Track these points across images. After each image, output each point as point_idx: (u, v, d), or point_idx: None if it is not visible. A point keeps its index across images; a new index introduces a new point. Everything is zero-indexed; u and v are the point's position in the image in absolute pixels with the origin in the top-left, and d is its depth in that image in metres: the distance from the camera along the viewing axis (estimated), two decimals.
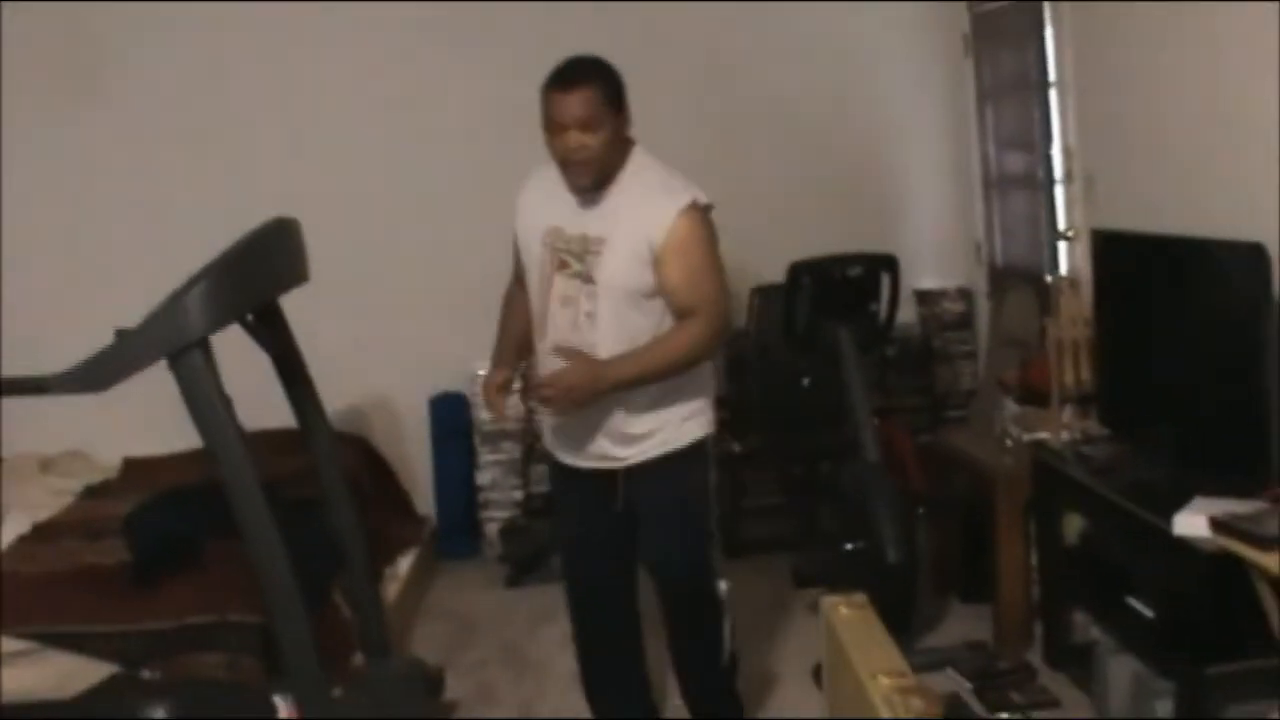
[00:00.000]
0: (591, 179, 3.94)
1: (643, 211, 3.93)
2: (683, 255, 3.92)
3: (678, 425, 4.11)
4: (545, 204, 4.08)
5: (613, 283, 3.94)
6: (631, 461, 4.10)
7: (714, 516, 4.26)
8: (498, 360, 4.33)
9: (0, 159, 6.57)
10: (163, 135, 6.71)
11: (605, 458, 4.12)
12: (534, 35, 6.55)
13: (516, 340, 4.31)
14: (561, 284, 4.01)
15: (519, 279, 4.28)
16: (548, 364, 4.04)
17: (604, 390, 3.89)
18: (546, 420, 4.26)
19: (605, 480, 4.15)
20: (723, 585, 4.27)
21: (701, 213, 3.97)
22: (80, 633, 4.43)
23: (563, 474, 4.30)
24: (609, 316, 3.95)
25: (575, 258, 3.99)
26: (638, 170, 4.02)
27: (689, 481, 4.16)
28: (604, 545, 4.29)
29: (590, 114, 3.85)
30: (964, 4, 6.68)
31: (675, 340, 3.97)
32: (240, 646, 4.36)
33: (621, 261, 3.93)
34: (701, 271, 3.96)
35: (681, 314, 3.97)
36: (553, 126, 3.89)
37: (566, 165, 3.93)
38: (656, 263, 3.91)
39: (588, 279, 3.96)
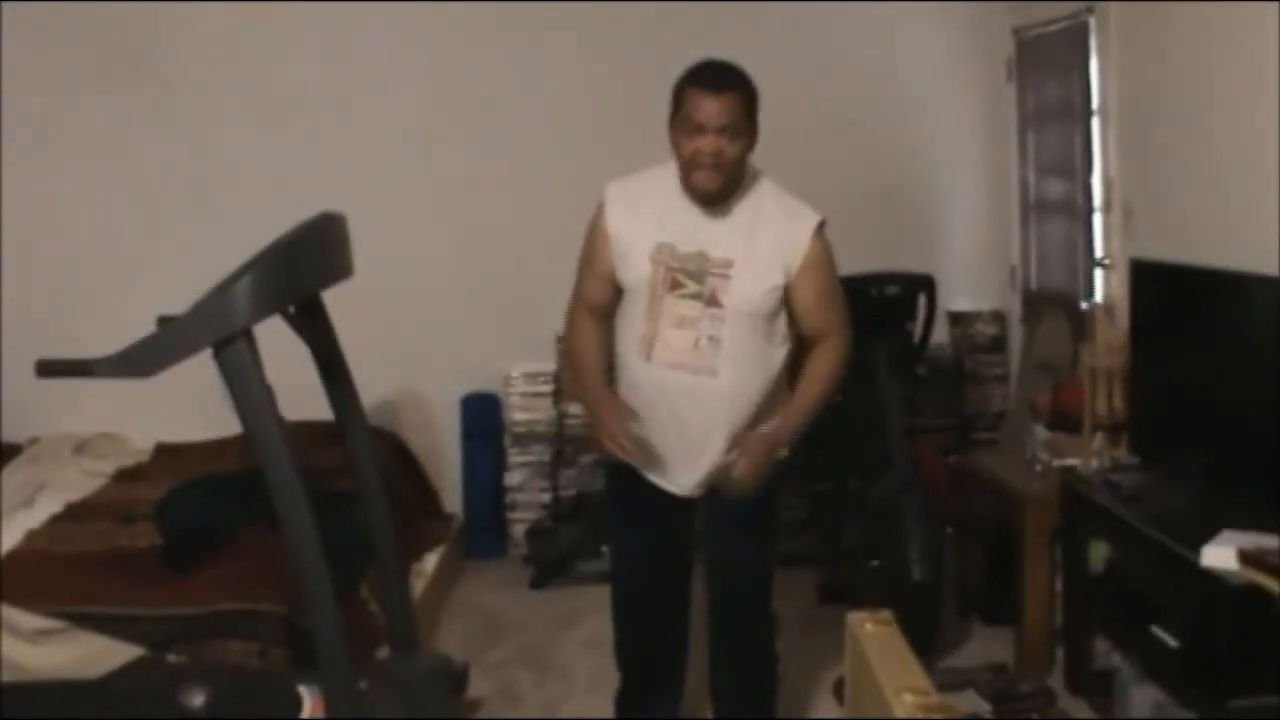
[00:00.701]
0: (719, 186, 3.83)
1: (777, 234, 3.89)
2: (815, 277, 3.92)
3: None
4: (651, 217, 3.94)
5: (742, 308, 3.86)
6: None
7: (779, 535, 4.30)
8: (601, 400, 4.03)
9: (18, 141, 6.63)
10: (208, 124, 6.74)
11: (698, 488, 4.07)
12: (592, 39, 6.60)
13: (601, 367, 4.12)
14: (676, 304, 3.88)
15: (589, 305, 4.11)
16: (656, 385, 3.94)
17: (784, 446, 3.99)
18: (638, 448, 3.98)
19: (685, 501, 4.12)
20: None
21: (825, 233, 3.96)
22: (109, 614, 4.45)
23: (638, 486, 4.13)
24: (733, 341, 3.87)
25: (692, 278, 3.87)
26: (762, 191, 3.96)
27: (769, 495, 4.10)
28: (667, 561, 4.25)
29: (735, 121, 3.79)
30: (1009, 29, 6.68)
31: (824, 372, 3.98)
32: (268, 636, 4.38)
33: (753, 286, 3.86)
34: (831, 292, 3.98)
35: (812, 335, 3.98)
36: (691, 127, 3.79)
37: (696, 168, 3.80)
38: (789, 285, 3.89)
39: (712, 302, 3.85)
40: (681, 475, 4.05)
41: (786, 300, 3.92)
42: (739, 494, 3.88)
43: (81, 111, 6.67)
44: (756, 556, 4.22)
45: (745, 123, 3.82)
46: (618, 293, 4.03)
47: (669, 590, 4.31)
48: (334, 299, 3.58)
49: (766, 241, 3.87)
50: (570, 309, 4.17)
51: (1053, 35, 6.26)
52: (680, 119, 3.83)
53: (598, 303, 4.08)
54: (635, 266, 3.92)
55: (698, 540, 4.26)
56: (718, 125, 3.76)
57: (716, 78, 3.83)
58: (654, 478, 4.09)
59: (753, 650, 4.32)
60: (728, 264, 3.85)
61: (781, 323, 3.96)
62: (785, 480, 4.23)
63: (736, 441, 3.90)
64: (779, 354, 4.00)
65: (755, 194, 3.94)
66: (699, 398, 3.89)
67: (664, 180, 3.95)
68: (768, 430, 3.93)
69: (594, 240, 4.03)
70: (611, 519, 4.47)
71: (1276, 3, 4.25)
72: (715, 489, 4.03)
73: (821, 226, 3.93)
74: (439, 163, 6.84)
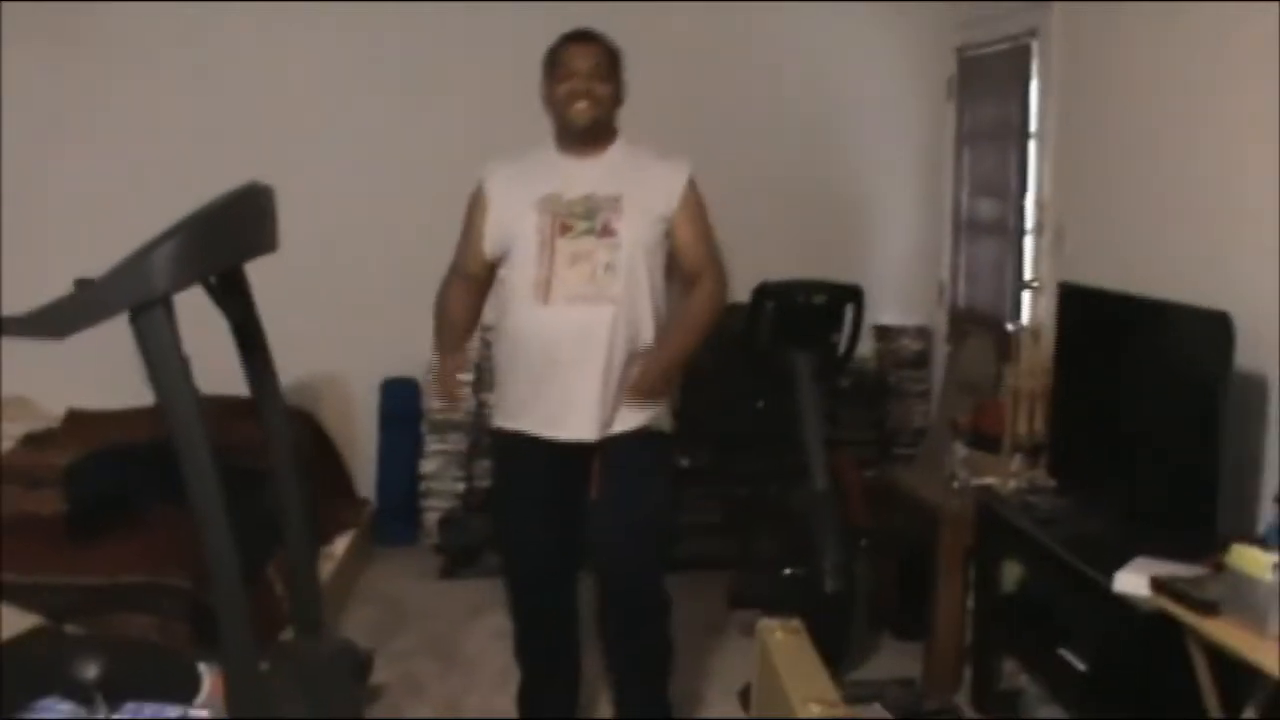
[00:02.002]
0: (593, 116, 4.20)
1: (655, 174, 4.28)
2: (692, 218, 4.30)
3: (662, 406, 4.31)
4: (529, 179, 4.26)
5: (634, 235, 4.17)
6: (615, 431, 4.21)
7: (671, 503, 4.50)
8: (448, 348, 4.53)
9: None
10: (139, 89, 6.72)
11: (596, 428, 4.19)
12: (510, 33, 6.58)
13: (462, 329, 4.52)
14: (568, 245, 4.14)
15: (462, 274, 4.41)
16: (554, 324, 4.14)
17: (679, 368, 4.31)
18: (517, 394, 4.29)
19: (577, 464, 4.22)
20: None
21: (696, 183, 4.32)
22: (9, 582, 4.36)
23: (525, 456, 4.30)
24: (628, 267, 4.16)
25: (582, 218, 4.17)
26: (630, 141, 4.35)
27: (660, 468, 4.39)
28: (557, 541, 4.33)
29: (603, 64, 4.24)
30: (952, 48, 6.69)
31: (701, 302, 4.30)
32: (170, 610, 4.32)
33: (642, 216, 4.20)
34: (707, 234, 4.35)
35: (689, 271, 4.31)
36: (564, 72, 4.22)
37: (571, 105, 4.20)
38: (670, 223, 4.25)
39: (605, 232, 4.15)
40: (582, 416, 4.18)
41: (667, 240, 4.28)
42: (636, 397, 4.20)
43: (8, 72, 6.56)
44: (651, 526, 4.35)
45: (611, 72, 4.28)
46: (490, 268, 4.33)
47: (563, 577, 4.42)
48: (257, 273, 3.52)
49: (647, 180, 4.26)
50: (444, 279, 4.47)
51: (994, 56, 6.27)
52: (553, 71, 4.27)
53: (471, 271, 4.38)
54: (520, 219, 4.21)
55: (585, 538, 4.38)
56: (588, 66, 4.22)
57: (582, 32, 4.32)
58: (548, 431, 4.22)
59: (650, 627, 4.41)
60: (616, 198, 4.20)
61: (662, 257, 4.28)
62: (671, 456, 4.58)
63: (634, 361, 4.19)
64: (660, 286, 4.30)
65: (626, 145, 4.35)
66: (599, 326, 4.14)
67: (538, 149, 4.36)
68: (657, 356, 4.23)
69: (472, 211, 4.35)
70: (501, 505, 4.64)
71: (1215, 33, 4.28)
72: (613, 443, 4.23)
73: (692, 176, 4.32)
74: (367, 144, 6.83)
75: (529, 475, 4.32)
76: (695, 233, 4.29)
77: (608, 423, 4.20)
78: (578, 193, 4.19)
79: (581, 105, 4.19)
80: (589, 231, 4.15)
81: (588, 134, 4.24)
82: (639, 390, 4.19)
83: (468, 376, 4.31)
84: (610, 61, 4.27)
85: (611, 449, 4.23)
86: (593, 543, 4.33)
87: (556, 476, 4.27)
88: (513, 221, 4.22)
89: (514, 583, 4.49)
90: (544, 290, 4.14)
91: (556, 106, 4.25)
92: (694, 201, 4.30)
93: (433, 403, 6.70)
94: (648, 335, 4.23)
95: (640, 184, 4.23)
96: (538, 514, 4.33)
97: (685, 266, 4.30)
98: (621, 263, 4.15)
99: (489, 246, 4.28)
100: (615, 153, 4.31)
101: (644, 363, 4.19)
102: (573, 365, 4.13)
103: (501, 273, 4.29)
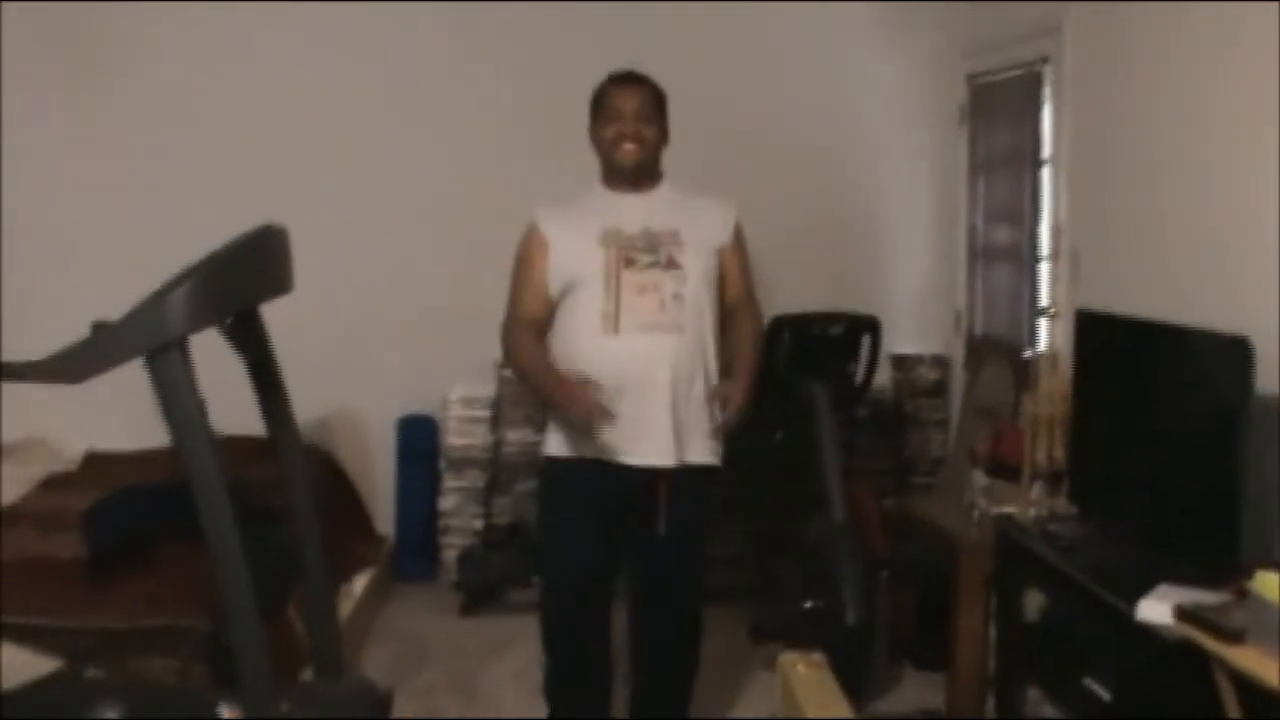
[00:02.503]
0: (640, 159, 4.37)
1: (707, 212, 4.48)
2: (739, 252, 4.54)
3: (718, 439, 4.44)
4: (585, 217, 4.39)
5: (697, 265, 4.34)
6: (689, 462, 4.31)
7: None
8: (561, 380, 4.30)
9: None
10: (154, 130, 6.76)
11: (672, 453, 4.28)
12: (525, 71, 6.60)
13: (548, 363, 4.40)
14: (634, 276, 4.26)
15: (528, 322, 4.40)
16: (624, 355, 4.24)
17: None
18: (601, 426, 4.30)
19: (640, 487, 4.29)
20: None
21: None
22: (29, 625, 4.38)
23: (584, 483, 4.36)
24: (695, 298, 4.31)
25: (644, 251, 4.30)
26: (677, 185, 4.53)
27: (709, 501, 4.54)
28: (604, 570, 4.46)
29: (649, 107, 4.39)
30: (963, 75, 6.69)
31: (752, 331, 4.54)
32: (190, 652, 4.31)
33: (700, 249, 4.37)
34: (749, 267, 4.61)
35: (732, 301, 4.51)
36: (611, 115, 4.37)
37: (618, 147, 4.36)
38: (723, 256, 4.45)
39: (670, 265, 4.30)
40: (654, 442, 4.26)
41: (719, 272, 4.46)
42: (731, 418, 4.35)
43: (23, 111, 6.59)
44: (700, 558, 4.55)
45: (657, 115, 4.43)
46: (552, 308, 4.38)
47: (600, 616, 4.48)
48: (273, 313, 3.52)
49: (700, 216, 4.44)
50: (506, 329, 4.45)
51: (1006, 83, 6.26)
52: (600, 113, 4.42)
53: (534, 316, 4.39)
54: (585, 256, 4.29)
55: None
56: (633, 110, 4.36)
57: (628, 74, 4.46)
58: (621, 457, 4.28)
59: (689, 653, 4.57)
60: (675, 232, 4.34)
61: (716, 286, 4.45)
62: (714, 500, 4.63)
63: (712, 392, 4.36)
64: (713, 312, 4.44)
65: (672, 184, 4.52)
66: (670, 354, 4.25)
67: (586, 191, 4.51)
68: (731, 384, 4.39)
69: (530, 252, 4.38)
70: (552, 534, 4.57)
71: (1226, 60, 4.27)
72: (680, 475, 4.32)
73: (739, 215, 4.55)
74: (383, 183, 6.85)
75: (587, 502, 4.36)
76: (739, 268, 4.51)
77: (680, 450, 4.28)
78: (636, 227, 4.33)
79: (629, 147, 4.34)
80: (654, 264, 4.28)
81: (636, 174, 4.39)
82: (731, 419, 4.35)
83: (599, 388, 4.23)
84: (656, 103, 4.41)
85: (683, 480, 4.32)
86: (646, 571, 4.47)
87: (617, 505, 4.33)
88: (576, 257, 4.30)
89: (554, 612, 4.54)
90: (613, 321, 4.23)
91: (603, 147, 4.39)
92: (740, 238, 4.52)
93: (453, 439, 6.70)
94: (712, 362, 4.39)
95: (695, 219, 4.40)
96: (589, 542, 4.39)
97: (729, 296, 4.49)
98: (688, 294, 4.29)
99: (553, 285, 4.34)
100: (665, 191, 4.48)
101: (728, 395, 4.34)
102: (645, 392, 4.21)
103: (564, 307, 4.34)
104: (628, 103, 4.35)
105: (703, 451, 4.39)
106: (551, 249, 4.35)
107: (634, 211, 4.37)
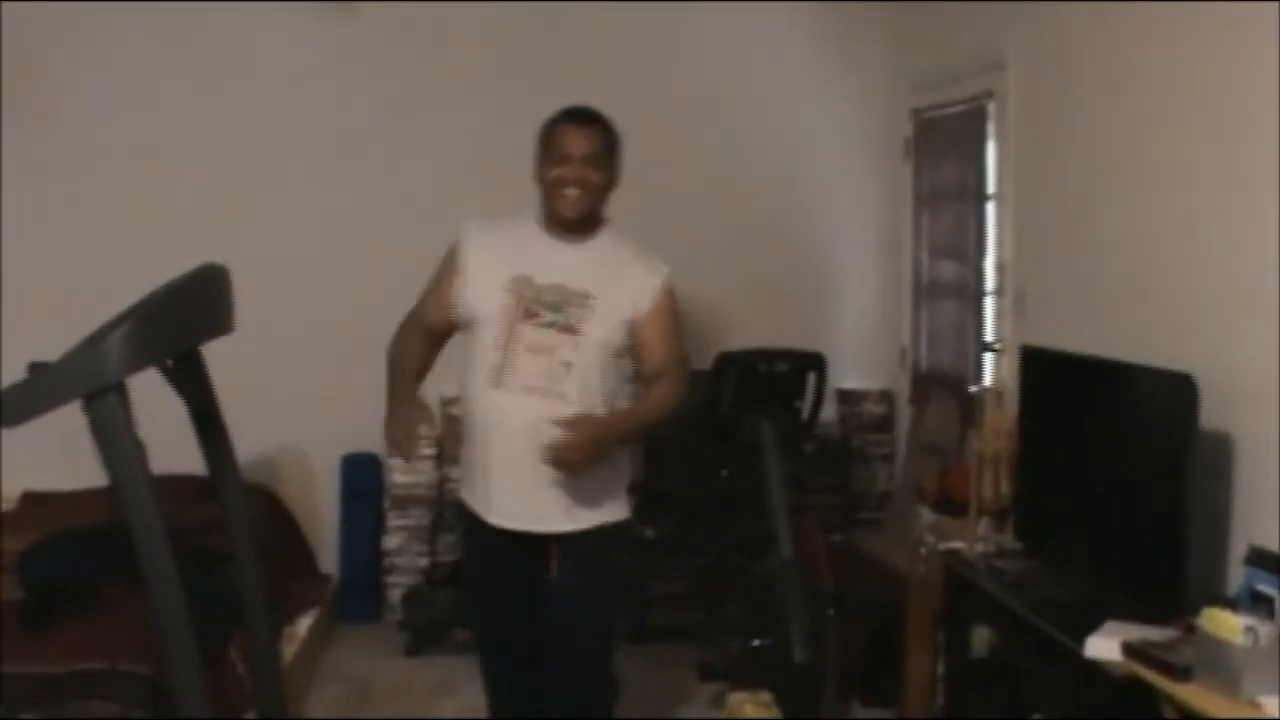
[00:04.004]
0: (582, 210, 4.08)
1: (629, 275, 4.12)
2: (661, 321, 4.14)
3: (615, 500, 4.19)
4: (509, 251, 4.14)
5: (597, 335, 4.03)
6: (569, 529, 4.09)
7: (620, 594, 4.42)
8: (403, 398, 4.28)
9: None
10: (95, 170, 6.66)
11: (543, 521, 4.08)
12: (477, 103, 6.58)
13: (413, 374, 4.32)
14: (532, 333, 4.02)
15: (421, 323, 4.30)
16: (505, 411, 4.02)
17: (608, 445, 4.02)
18: (470, 473, 4.20)
19: (535, 546, 4.12)
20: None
21: (671, 287, 4.18)
22: None
23: (485, 539, 4.18)
24: (585, 367, 4.02)
25: (549, 308, 4.03)
26: (616, 236, 4.21)
27: (612, 559, 4.24)
28: (525, 613, 4.23)
29: (598, 152, 4.09)
30: (909, 110, 6.72)
31: (659, 397, 4.13)
32: (130, 697, 4.24)
33: (608, 318, 4.05)
34: (675, 337, 4.19)
35: (652, 374, 4.14)
36: (557, 157, 4.06)
37: (560, 193, 4.06)
38: (635, 326, 4.09)
39: (568, 330, 4.02)
40: (527, 510, 4.08)
41: (631, 341, 4.12)
42: (552, 464, 3.93)
43: None
44: (604, 617, 4.29)
45: (607, 159, 4.14)
46: (451, 326, 4.22)
47: (529, 641, 4.28)
48: (215, 350, 3.49)
49: (621, 279, 4.11)
50: (401, 324, 4.36)
51: (951, 118, 6.30)
52: (547, 151, 4.11)
53: (430, 325, 4.28)
54: (488, 297, 4.07)
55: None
56: (582, 154, 4.06)
57: (582, 113, 4.16)
58: (499, 521, 4.11)
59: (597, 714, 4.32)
60: (586, 295, 4.05)
61: (624, 366, 4.15)
62: (623, 540, 4.33)
63: (568, 422, 3.94)
64: (624, 390, 4.17)
65: (611, 237, 4.21)
66: (547, 420, 3.93)
67: (521, 221, 4.21)
68: (594, 422, 4.01)
69: (446, 271, 4.23)
70: (469, 577, 4.53)
71: (1173, 94, 4.30)
72: (567, 539, 4.11)
73: (668, 279, 4.17)
74: (326, 220, 6.80)
75: (490, 549, 4.22)
76: (660, 335, 4.13)
77: (556, 518, 4.08)
78: (551, 279, 4.06)
79: (571, 194, 4.06)
80: (552, 325, 4.02)
81: (574, 223, 4.12)
82: (556, 450, 3.90)
83: (429, 430, 4.16)
84: (608, 145, 4.14)
85: (565, 551, 4.13)
86: (545, 623, 4.23)
87: (516, 555, 4.16)
88: (481, 296, 4.09)
89: (486, 655, 4.42)
90: (498, 375, 4.02)
91: (545, 189, 4.11)
92: (665, 307, 4.15)
93: (395, 472, 6.67)
94: None
95: (614, 283, 4.09)
96: (504, 588, 4.25)
97: (647, 367, 4.14)
98: (580, 363, 4.01)
99: (455, 312, 4.17)
100: (598, 244, 4.17)
101: (571, 425, 3.93)
102: (518, 457, 3.99)
103: (466, 339, 4.17)
104: (576, 145, 4.06)
105: (593, 515, 4.11)
106: (463, 276, 4.14)
107: (555, 262, 4.09)
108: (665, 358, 4.14)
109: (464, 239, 4.20)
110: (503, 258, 4.12)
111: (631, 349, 4.12)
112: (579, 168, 4.05)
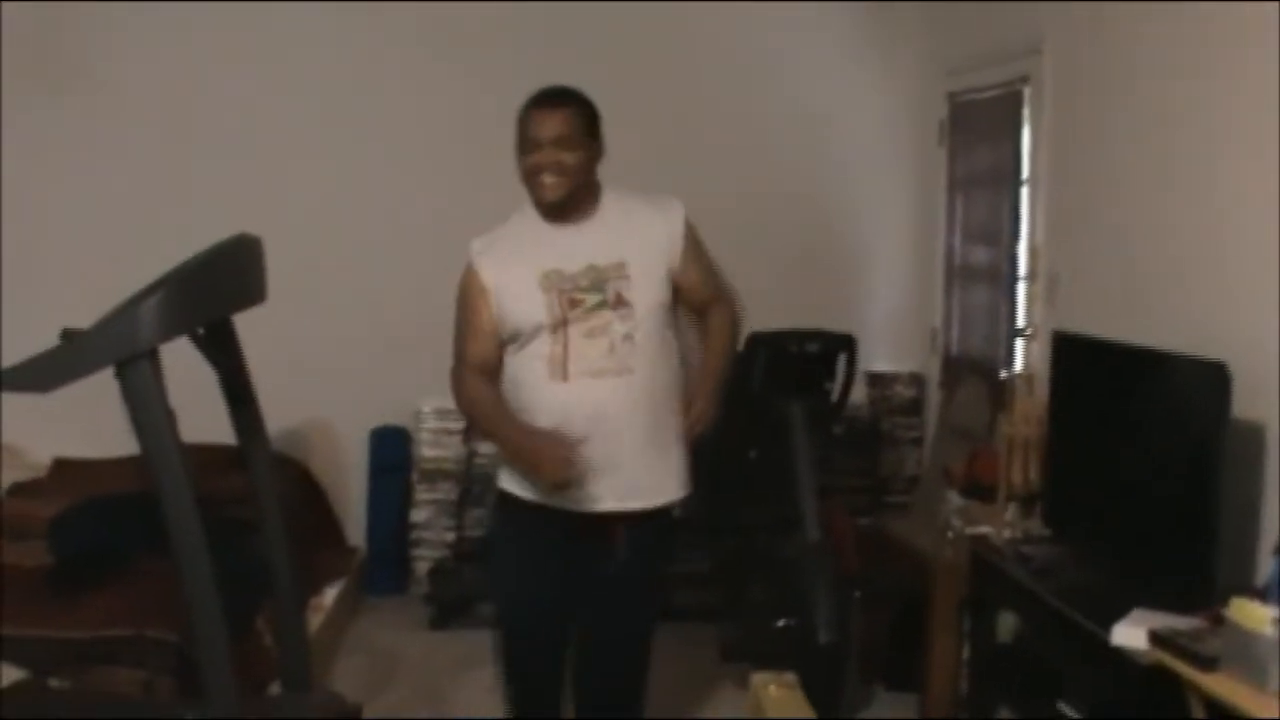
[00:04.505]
0: (563, 193, 3.96)
1: (653, 231, 4.06)
2: (696, 255, 4.13)
3: (682, 473, 4.16)
4: (525, 252, 4.02)
5: (648, 299, 4.00)
6: (640, 506, 4.05)
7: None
8: (522, 428, 3.99)
9: None
10: (130, 138, 6.70)
11: (611, 499, 4.00)
12: (508, 77, 6.57)
13: (503, 405, 4.07)
14: (582, 319, 3.94)
15: (478, 367, 4.08)
16: (576, 401, 3.93)
17: (719, 397, 4.17)
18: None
19: (594, 530, 4.06)
20: None
21: (687, 215, 4.15)
22: None
23: (535, 523, 4.09)
24: (646, 336, 3.99)
25: (590, 290, 3.95)
26: (618, 197, 4.11)
27: (669, 550, 4.30)
28: (557, 610, 4.19)
29: (569, 133, 3.94)
30: (944, 93, 6.69)
31: (722, 324, 4.22)
32: (156, 664, 4.28)
33: (653, 278, 4.02)
34: (711, 264, 4.21)
35: (702, 306, 4.19)
36: (529, 144, 3.95)
37: (537, 180, 3.95)
38: (674, 271, 4.07)
39: (619, 303, 3.96)
40: (608, 490, 3.99)
41: (675, 285, 4.11)
42: (699, 435, 4.11)
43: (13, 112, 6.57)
44: (654, 601, 4.29)
45: (581, 136, 3.98)
46: (499, 355, 4.06)
47: (554, 654, 4.25)
48: (246, 322, 3.49)
49: (647, 237, 4.05)
50: (456, 375, 4.13)
51: (986, 102, 6.26)
52: (520, 140, 3.99)
53: (483, 361, 4.07)
54: (528, 301, 3.96)
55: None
56: (552, 137, 3.93)
57: (549, 96, 4.03)
58: (573, 505, 4.01)
59: (634, 697, 4.30)
60: (622, 266, 3.98)
61: (671, 308, 4.12)
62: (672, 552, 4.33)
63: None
64: (671, 336, 4.13)
65: (614, 200, 4.11)
66: (621, 399, 3.93)
67: (522, 219, 4.11)
68: (697, 393, 4.13)
69: (471, 300, 4.06)
70: (502, 569, 4.37)
71: (1210, 78, 4.27)
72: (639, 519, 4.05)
73: (683, 211, 4.14)
74: (358, 193, 6.82)
75: (538, 544, 4.13)
76: (700, 272, 4.14)
77: (636, 496, 4.03)
78: (579, 264, 3.96)
79: (548, 181, 3.94)
80: (601, 305, 3.94)
81: (561, 208, 4.00)
82: (695, 428, 4.11)
83: (572, 441, 3.92)
84: (582, 123, 3.99)
85: (641, 525, 4.07)
86: (593, 619, 4.22)
87: (569, 548, 4.08)
88: (519, 303, 3.97)
89: (508, 647, 4.33)
90: (562, 368, 3.94)
91: (524, 178, 4.00)
92: (692, 238, 4.11)
93: (425, 450, 6.69)
94: (674, 400, 4.09)
95: (642, 244, 4.02)
96: (535, 581, 4.16)
97: (697, 303, 4.17)
98: (639, 333, 3.97)
99: (500, 331, 4.03)
100: (605, 212, 4.07)
101: (693, 402, 4.11)
102: (597, 439, 3.91)
103: (511, 351, 4.04)
104: (545, 129, 3.93)
105: (664, 491, 4.09)
106: (492, 295, 4.00)
107: (575, 247, 3.99)
108: (707, 288, 4.18)
109: (474, 261, 4.08)
110: (523, 260, 4.00)
111: (678, 291, 4.12)
112: (551, 152, 3.92)
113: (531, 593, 4.20)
